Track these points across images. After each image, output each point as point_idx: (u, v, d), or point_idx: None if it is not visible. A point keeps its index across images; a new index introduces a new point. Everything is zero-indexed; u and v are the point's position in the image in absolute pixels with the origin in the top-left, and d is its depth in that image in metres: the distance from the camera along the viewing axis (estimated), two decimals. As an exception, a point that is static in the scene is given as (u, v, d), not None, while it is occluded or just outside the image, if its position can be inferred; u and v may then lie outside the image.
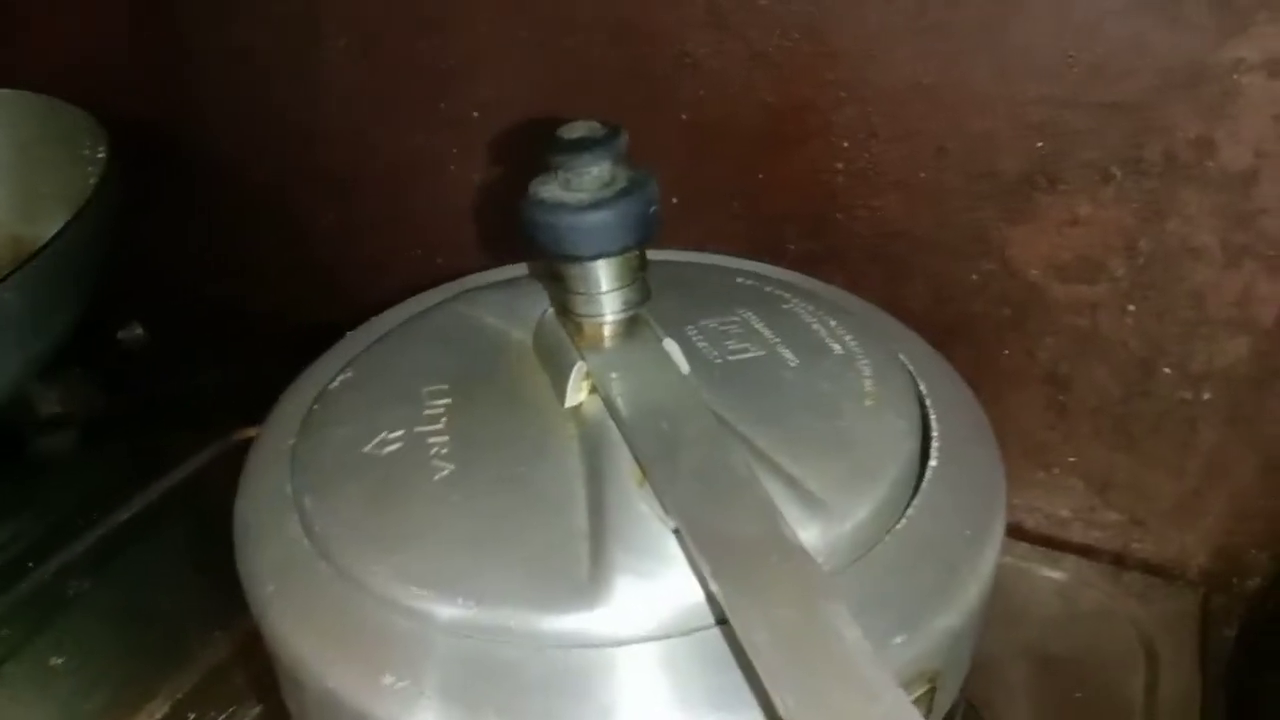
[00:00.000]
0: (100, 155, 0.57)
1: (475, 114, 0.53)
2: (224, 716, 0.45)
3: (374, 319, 0.37)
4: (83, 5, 0.61)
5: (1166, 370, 0.44)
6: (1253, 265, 0.41)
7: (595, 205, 0.26)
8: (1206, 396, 0.44)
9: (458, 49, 0.51)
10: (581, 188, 0.27)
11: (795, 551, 0.23)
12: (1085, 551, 0.49)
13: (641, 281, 0.29)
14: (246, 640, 0.47)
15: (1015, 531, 0.49)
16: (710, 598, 0.24)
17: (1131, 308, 0.43)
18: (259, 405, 0.59)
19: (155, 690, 0.45)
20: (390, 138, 0.56)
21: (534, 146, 0.50)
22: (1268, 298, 0.41)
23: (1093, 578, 0.49)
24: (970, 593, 0.27)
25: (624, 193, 0.26)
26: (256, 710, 0.44)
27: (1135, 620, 0.47)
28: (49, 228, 0.60)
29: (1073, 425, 0.47)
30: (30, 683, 0.46)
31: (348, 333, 0.37)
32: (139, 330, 0.70)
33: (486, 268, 0.41)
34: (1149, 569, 0.49)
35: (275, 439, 0.32)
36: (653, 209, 0.27)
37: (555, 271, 0.29)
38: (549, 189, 0.27)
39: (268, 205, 0.62)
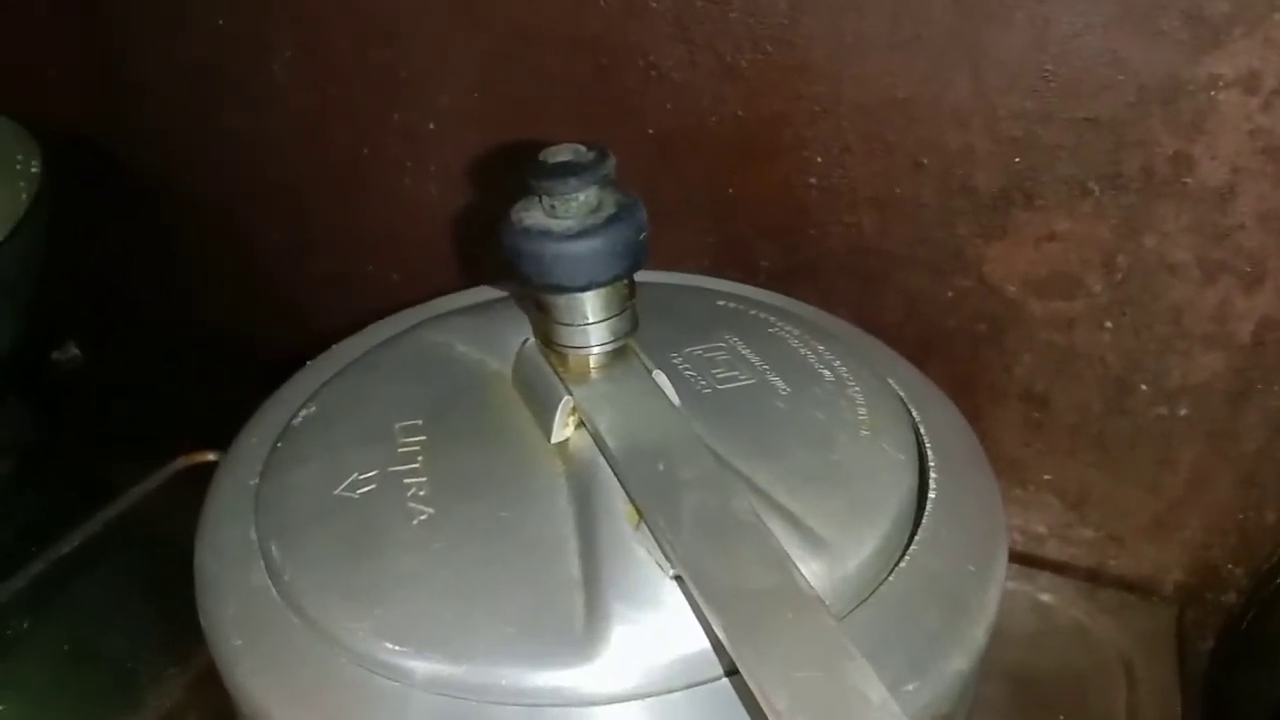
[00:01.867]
0: (34, 170, 0.55)
1: (431, 125, 0.51)
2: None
3: (336, 347, 0.35)
4: (13, 15, 0.58)
5: (1143, 387, 0.43)
6: (1229, 281, 0.40)
7: (584, 233, 0.25)
8: (1183, 413, 0.43)
9: (412, 60, 0.49)
10: (568, 214, 0.25)
11: (811, 604, 0.22)
12: (1061, 568, 0.49)
13: (630, 310, 0.27)
14: (200, 682, 0.45)
15: (990, 549, 0.49)
16: (717, 648, 0.23)
17: (1109, 324, 0.43)
18: (205, 429, 0.57)
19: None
20: (341, 150, 0.54)
21: (495, 160, 0.50)
22: (1244, 314, 0.41)
23: (1069, 595, 0.49)
24: (978, 632, 0.26)
25: (613, 219, 0.25)
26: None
27: (1112, 637, 0.47)
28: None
29: (1049, 442, 0.46)
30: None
31: (309, 362, 0.35)
32: (75, 351, 0.67)
33: (445, 285, 0.40)
34: (1125, 585, 0.48)
35: (236, 480, 0.30)
36: (642, 235, 0.26)
37: (539, 301, 0.27)
38: (533, 215, 0.26)
39: (211, 221, 0.60)
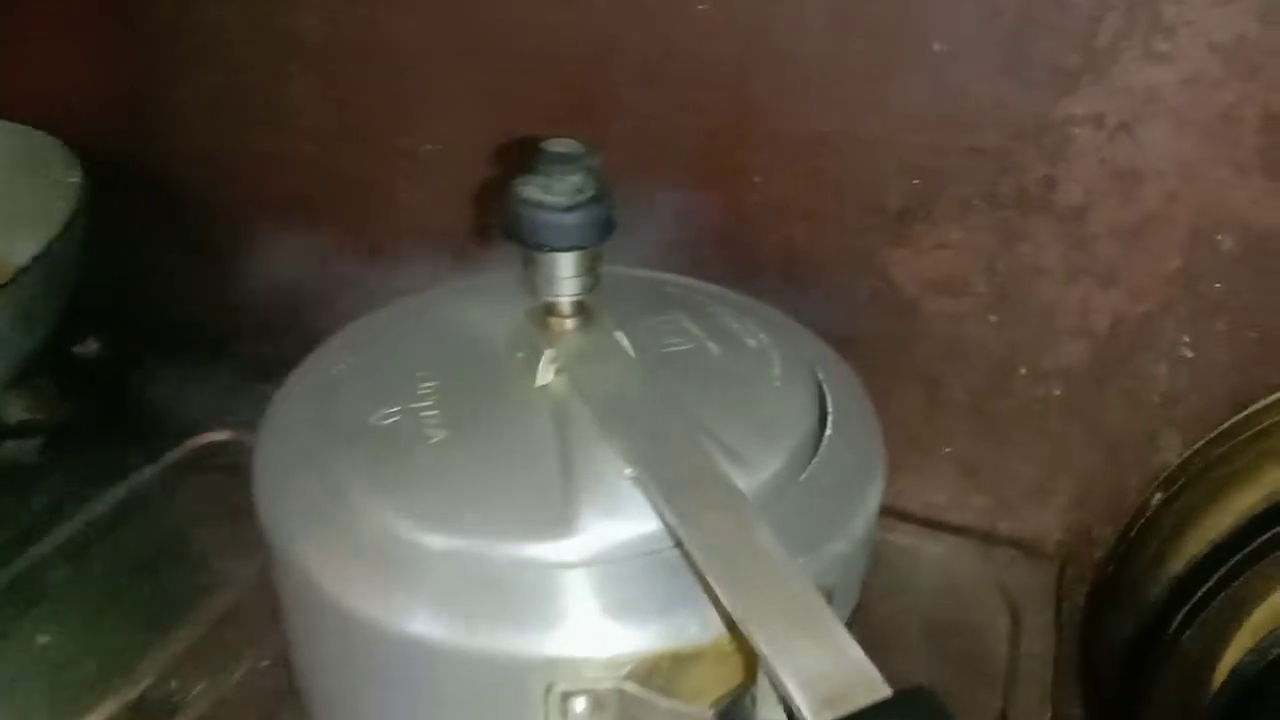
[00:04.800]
0: (72, 180, 0.62)
1: (428, 147, 0.59)
2: (202, 685, 0.49)
3: (361, 320, 0.43)
4: (56, 40, 0.66)
5: (1023, 371, 0.52)
6: (1088, 282, 0.49)
7: (571, 208, 0.33)
8: (1056, 393, 0.52)
9: (419, 92, 0.57)
10: (560, 192, 0.33)
11: (728, 488, 0.30)
12: (959, 530, 0.57)
13: (596, 271, 0.36)
14: (222, 617, 0.52)
15: (899, 514, 0.57)
16: (665, 526, 0.31)
17: (993, 318, 0.51)
18: (212, 416, 0.64)
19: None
20: (351, 168, 0.61)
21: (485, 179, 0.58)
22: (1101, 308, 0.50)
23: (966, 553, 0.57)
24: (857, 526, 0.34)
25: (594, 200, 0.33)
26: (237, 675, 0.49)
27: (1003, 589, 0.55)
28: (20, 246, 0.65)
29: (946, 420, 0.55)
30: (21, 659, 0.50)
31: (336, 333, 0.43)
32: (95, 345, 0.74)
33: (434, 282, 0.47)
34: (1013, 544, 0.57)
35: (285, 415, 0.38)
36: (612, 214, 0.34)
37: (529, 258, 0.35)
38: (530, 190, 0.33)
39: (229, 229, 0.67)
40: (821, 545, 0.33)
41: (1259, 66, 0.43)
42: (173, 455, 0.64)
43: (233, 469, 0.61)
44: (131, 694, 0.48)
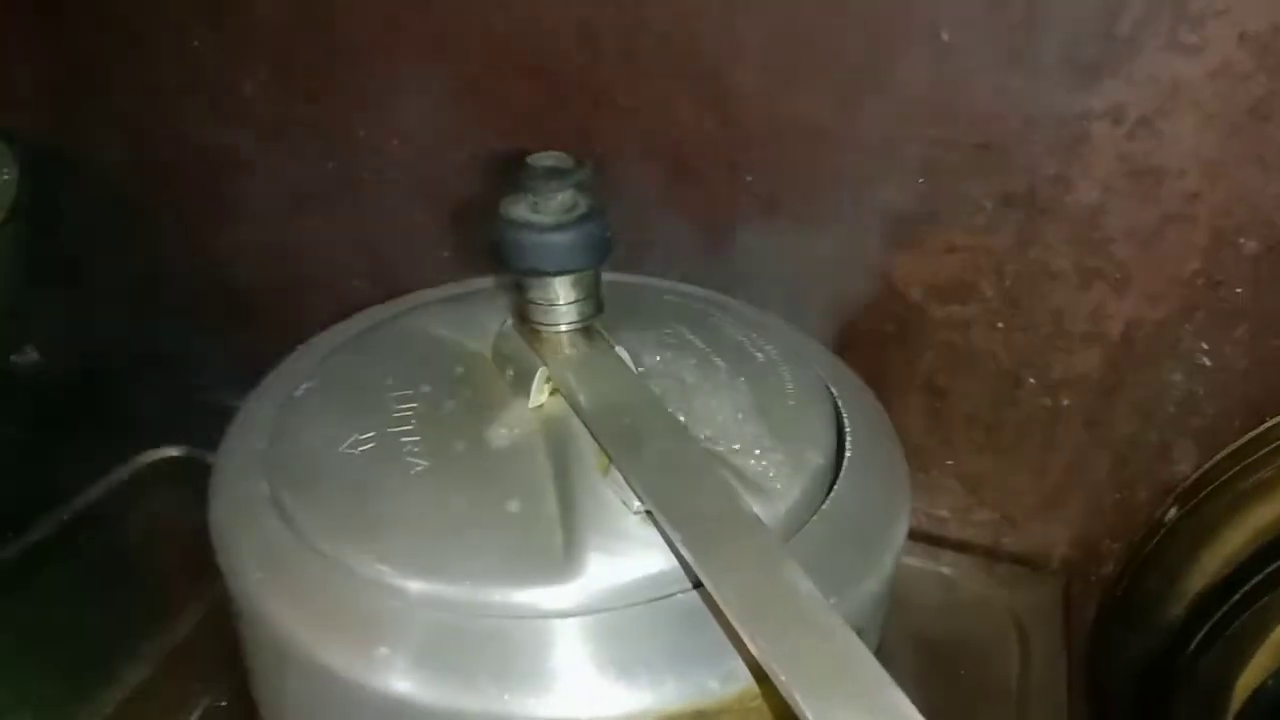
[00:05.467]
0: (7, 178, 0.58)
1: (395, 142, 0.55)
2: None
3: (326, 332, 0.39)
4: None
5: (1031, 380, 0.49)
6: (1102, 286, 0.46)
7: (560, 227, 0.30)
8: (1065, 403, 0.49)
9: (381, 82, 0.53)
10: (548, 211, 0.30)
11: (753, 523, 0.27)
12: (962, 546, 0.55)
13: (596, 296, 0.32)
14: (176, 651, 0.48)
15: (900, 530, 0.54)
16: (683, 566, 0.27)
17: (1000, 325, 0.49)
18: (166, 428, 0.60)
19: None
20: (307, 163, 0.57)
21: (452, 175, 0.54)
22: (1115, 314, 0.47)
23: (970, 570, 0.54)
24: (886, 562, 0.31)
25: (584, 218, 0.30)
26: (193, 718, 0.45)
27: (1008, 607, 0.53)
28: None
29: (949, 431, 0.52)
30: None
31: (299, 346, 0.39)
32: (34, 355, 0.69)
33: (405, 289, 0.44)
34: (1018, 560, 0.54)
35: (244, 445, 0.34)
36: (607, 234, 0.31)
37: (519, 283, 0.32)
38: (518, 209, 0.30)
39: (178, 229, 0.63)
40: (850, 583, 0.29)
41: (1291, 58, 0.40)
42: (120, 473, 0.60)
43: (187, 487, 0.57)
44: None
